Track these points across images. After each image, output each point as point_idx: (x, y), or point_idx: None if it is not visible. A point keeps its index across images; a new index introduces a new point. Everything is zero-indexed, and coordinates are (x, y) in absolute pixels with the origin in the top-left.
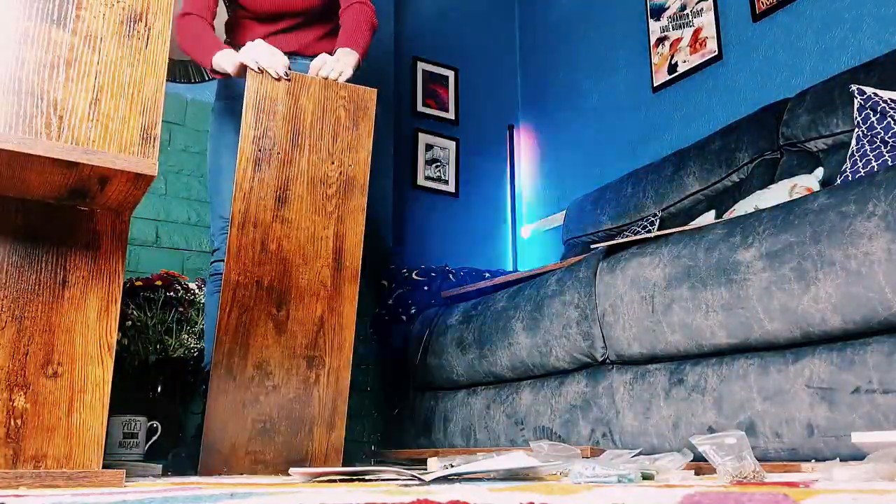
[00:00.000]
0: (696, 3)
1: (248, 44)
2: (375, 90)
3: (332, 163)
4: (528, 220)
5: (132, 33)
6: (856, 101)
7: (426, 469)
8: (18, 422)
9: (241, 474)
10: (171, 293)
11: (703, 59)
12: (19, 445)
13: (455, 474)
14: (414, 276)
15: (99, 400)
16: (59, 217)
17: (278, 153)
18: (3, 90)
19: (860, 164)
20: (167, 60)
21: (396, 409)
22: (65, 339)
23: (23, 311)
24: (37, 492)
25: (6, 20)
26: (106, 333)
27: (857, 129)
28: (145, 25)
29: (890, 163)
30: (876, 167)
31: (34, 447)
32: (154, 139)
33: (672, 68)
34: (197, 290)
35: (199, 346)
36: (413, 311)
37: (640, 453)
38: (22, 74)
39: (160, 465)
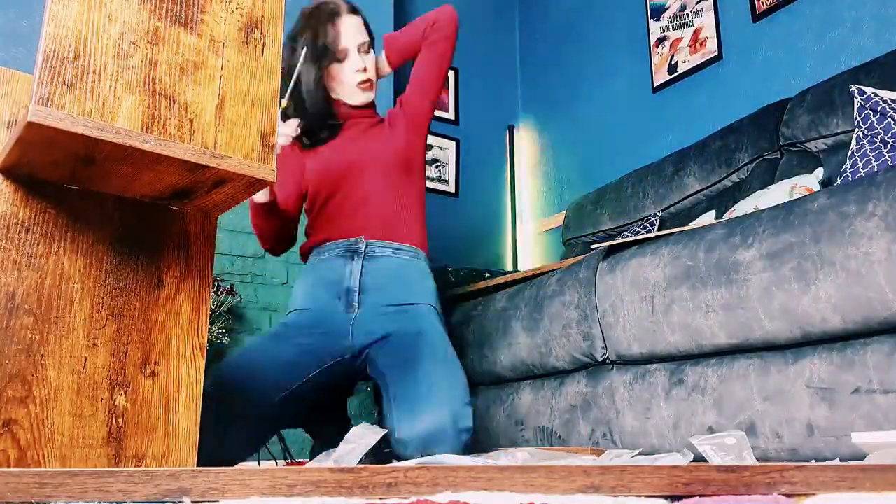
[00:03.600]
0: (696, 3)
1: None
2: None
3: None
4: (528, 220)
5: (250, 40)
6: (856, 101)
7: None
8: (120, 421)
9: None
10: None
11: (703, 59)
12: (120, 444)
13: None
14: None
15: (193, 400)
16: (152, 216)
17: None
18: (140, 90)
19: (860, 164)
20: (280, 69)
21: None
22: (160, 339)
23: (121, 309)
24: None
25: (139, 19)
26: (198, 334)
27: (857, 129)
28: (261, 33)
29: (890, 163)
30: (876, 167)
31: (135, 446)
32: (272, 147)
33: (672, 68)
34: None
35: None
36: None
37: (640, 453)
38: (156, 75)
39: None
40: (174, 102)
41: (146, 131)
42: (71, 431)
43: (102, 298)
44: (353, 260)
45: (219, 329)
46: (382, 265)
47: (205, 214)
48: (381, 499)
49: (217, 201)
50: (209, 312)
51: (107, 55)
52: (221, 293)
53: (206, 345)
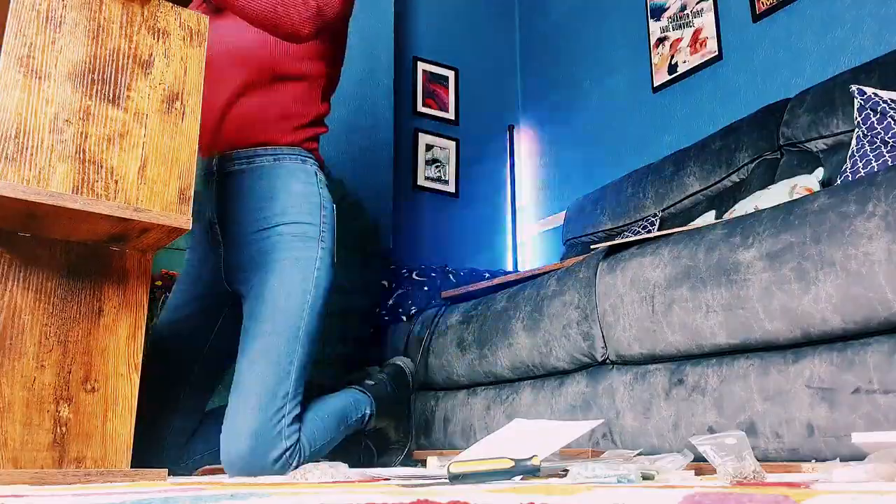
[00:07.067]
0: (696, 3)
1: None
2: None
3: None
4: (528, 220)
5: (171, 110)
6: (856, 101)
7: (425, 469)
8: (63, 429)
9: None
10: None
11: (703, 59)
12: (64, 449)
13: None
14: (414, 276)
15: (128, 411)
16: (95, 256)
17: None
18: (71, 159)
19: (860, 164)
20: (198, 132)
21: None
22: (100, 360)
23: (67, 335)
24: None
25: (72, 100)
26: (133, 355)
27: (857, 130)
28: (181, 103)
29: (890, 163)
30: (876, 167)
31: (76, 450)
32: (188, 199)
33: (672, 68)
34: None
35: None
36: (413, 311)
37: (640, 454)
38: (86, 146)
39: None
40: (101, 167)
41: (76, 193)
42: (21, 438)
43: (50, 327)
44: (209, 184)
45: None
46: (235, 184)
47: (141, 253)
48: (382, 496)
49: (148, 243)
50: (144, 337)
51: (43, 132)
52: None
53: (140, 364)
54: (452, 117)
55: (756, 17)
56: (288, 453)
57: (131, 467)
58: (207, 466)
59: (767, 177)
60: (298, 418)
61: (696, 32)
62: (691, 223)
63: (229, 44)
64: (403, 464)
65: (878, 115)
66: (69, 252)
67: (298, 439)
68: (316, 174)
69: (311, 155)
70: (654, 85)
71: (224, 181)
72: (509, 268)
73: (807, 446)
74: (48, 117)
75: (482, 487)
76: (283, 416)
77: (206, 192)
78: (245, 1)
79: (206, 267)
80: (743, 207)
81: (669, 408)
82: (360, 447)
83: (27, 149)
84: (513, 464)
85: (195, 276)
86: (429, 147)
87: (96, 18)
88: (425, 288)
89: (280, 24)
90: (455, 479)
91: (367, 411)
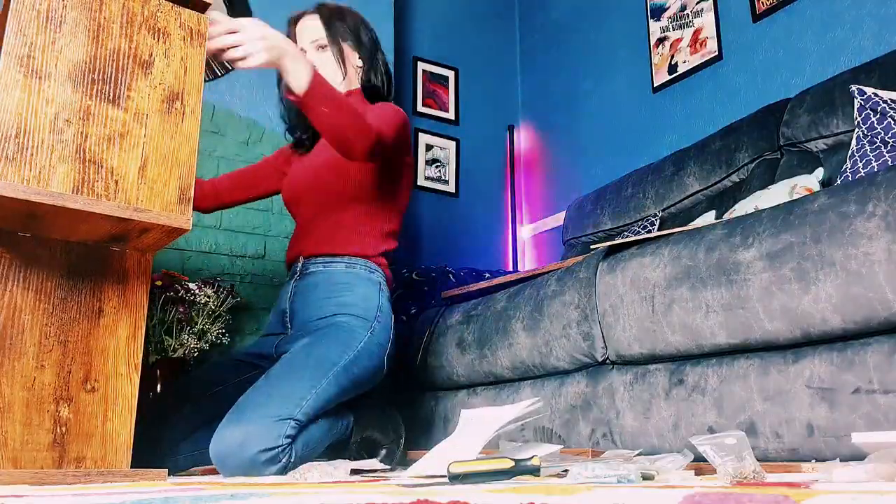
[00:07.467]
0: (696, 4)
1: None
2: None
3: None
4: (528, 220)
5: (171, 110)
6: (856, 101)
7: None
8: (63, 429)
9: None
10: (171, 293)
11: (703, 59)
12: (64, 449)
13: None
14: (414, 276)
15: (128, 411)
16: (95, 256)
17: None
18: (71, 159)
19: (860, 164)
20: (199, 132)
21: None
22: (100, 360)
23: (66, 335)
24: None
25: (72, 100)
26: (133, 355)
27: (857, 130)
28: (182, 103)
29: (890, 163)
30: (876, 167)
31: (76, 450)
32: (188, 199)
33: (672, 68)
34: (197, 291)
35: (198, 346)
36: (413, 311)
37: (640, 454)
38: (86, 146)
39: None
40: (101, 167)
41: (76, 193)
42: (21, 438)
43: (50, 327)
44: (291, 281)
45: (219, 329)
46: (310, 281)
47: (141, 253)
48: (382, 496)
49: (148, 243)
50: (144, 337)
51: (43, 132)
52: (221, 293)
53: (140, 364)
54: (452, 117)
55: (756, 17)
56: (279, 450)
57: (131, 467)
58: (207, 466)
59: (767, 177)
60: (299, 431)
61: (696, 32)
62: (691, 223)
63: (308, 176)
64: (400, 464)
65: (878, 115)
66: (69, 252)
67: (291, 443)
68: (380, 285)
69: (378, 268)
70: (654, 85)
71: (303, 279)
72: (509, 268)
73: (807, 446)
74: (48, 117)
75: (482, 487)
76: (288, 424)
77: (287, 287)
78: (329, 115)
79: (272, 344)
80: (743, 207)
81: (669, 408)
82: (349, 451)
83: (27, 149)
84: (513, 464)
85: (262, 346)
86: (429, 147)
87: (96, 18)
88: (425, 288)
89: (343, 143)
90: (455, 479)
91: (350, 417)
